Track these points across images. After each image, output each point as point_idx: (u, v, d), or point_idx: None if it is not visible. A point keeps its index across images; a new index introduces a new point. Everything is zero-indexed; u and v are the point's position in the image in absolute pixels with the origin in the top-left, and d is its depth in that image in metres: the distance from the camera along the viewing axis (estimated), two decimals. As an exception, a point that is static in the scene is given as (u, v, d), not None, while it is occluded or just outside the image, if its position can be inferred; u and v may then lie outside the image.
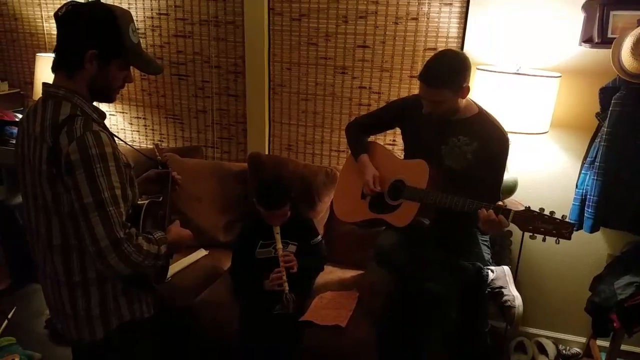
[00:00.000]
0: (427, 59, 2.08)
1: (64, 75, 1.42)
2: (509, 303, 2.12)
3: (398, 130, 2.63)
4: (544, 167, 2.68)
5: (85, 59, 1.38)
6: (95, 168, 1.31)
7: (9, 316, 2.19)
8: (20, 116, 3.44)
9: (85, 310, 1.46)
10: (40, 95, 1.46)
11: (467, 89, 2.00)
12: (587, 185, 2.40)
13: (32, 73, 3.44)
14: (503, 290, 2.15)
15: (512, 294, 2.16)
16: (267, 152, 3.19)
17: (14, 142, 3.22)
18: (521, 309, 2.13)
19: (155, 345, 1.71)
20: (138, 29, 3.18)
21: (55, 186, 1.36)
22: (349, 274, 2.62)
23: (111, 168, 1.35)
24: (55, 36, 1.44)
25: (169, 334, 2.38)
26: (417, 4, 2.70)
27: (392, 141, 2.95)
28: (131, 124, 3.47)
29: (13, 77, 3.69)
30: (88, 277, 1.44)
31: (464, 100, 2.06)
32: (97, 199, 1.31)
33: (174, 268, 2.57)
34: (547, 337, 2.87)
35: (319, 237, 2.58)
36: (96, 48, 1.38)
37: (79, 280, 1.44)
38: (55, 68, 1.44)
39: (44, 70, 3.15)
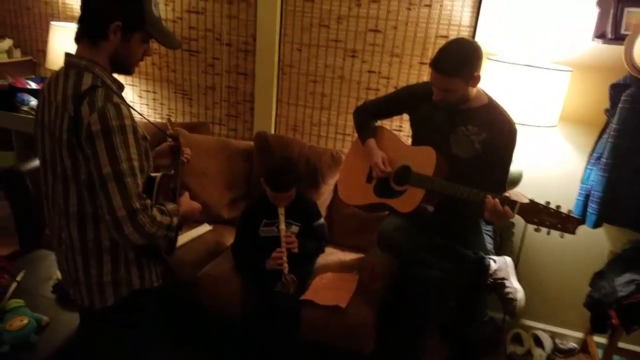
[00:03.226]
0: (438, 46, 2.08)
1: (87, 45, 1.44)
2: (510, 295, 2.10)
3: (405, 117, 2.64)
4: (550, 160, 2.70)
5: (110, 30, 1.40)
6: (115, 139, 1.34)
7: (18, 279, 2.23)
8: (32, 84, 3.45)
9: (98, 277, 1.50)
10: (62, 64, 1.48)
11: (478, 78, 2.01)
12: (592, 181, 2.40)
13: (44, 41, 3.44)
14: (505, 282, 2.15)
15: (514, 286, 2.13)
16: (272, 132, 3.20)
17: (24, 108, 3.24)
18: (523, 302, 2.11)
19: (161, 314, 1.75)
20: (157, 3, 3.19)
21: (74, 155, 1.39)
22: (349, 256, 2.65)
23: (130, 140, 1.38)
24: (68, 5, 1.46)
25: (172, 306, 2.43)
26: (431, -10, 2.70)
27: (399, 127, 2.96)
28: (140, 97, 3.49)
29: (26, 44, 3.70)
30: (102, 245, 1.48)
31: (474, 90, 2.07)
32: (116, 169, 1.34)
33: (179, 241, 2.59)
34: (544, 331, 2.89)
35: (322, 219, 2.60)
36: (121, 20, 1.41)
37: (93, 248, 1.48)
38: (78, 38, 1.46)
39: (57, 38, 3.15)
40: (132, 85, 3.47)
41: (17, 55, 3.56)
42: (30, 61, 3.63)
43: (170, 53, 3.31)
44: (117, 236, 1.37)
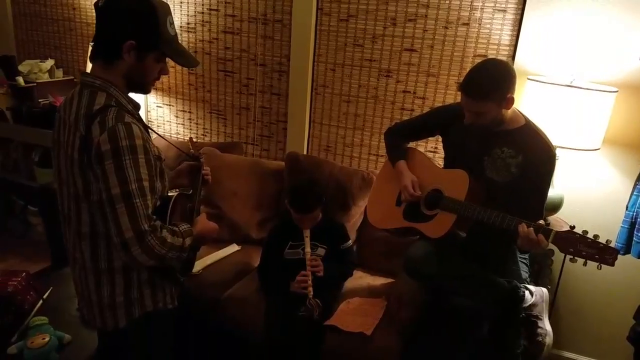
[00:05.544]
0: (476, 65, 2.00)
1: (102, 64, 1.44)
2: (540, 338, 2.06)
3: (440, 138, 2.56)
4: (594, 185, 2.55)
5: (123, 49, 1.39)
6: (124, 160, 1.33)
7: (44, 296, 2.25)
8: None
9: (110, 297, 1.48)
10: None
11: (512, 100, 1.91)
12: (639, 208, 2.26)
13: (85, 61, 3.55)
14: (538, 322, 2.08)
15: (546, 328, 2.08)
16: (305, 152, 3.17)
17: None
18: (550, 346, 2.07)
19: (177, 336, 1.71)
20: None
21: (85, 174, 1.38)
22: (378, 281, 2.57)
23: (140, 160, 1.35)
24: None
25: (194, 326, 2.40)
26: (469, 9, 2.62)
27: (434, 148, 2.87)
28: (177, 116, 3.53)
29: (68, 64, 3.82)
30: (114, 265, 1.46)
31: (509, 111, 1.97)
32: (124, 190, 1.32)
33: (206, 261, 2.59)
34: (584, 364, 2.76)
35: (350, 242, 2.54)
36: (135, 39, 1.39)
37: (105, 268, 1.46)
38: (93, 57, 1.46)
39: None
40: (169, 105, 3.52)
41: (59, 75, 3.68)
42: (72, 81, 3.73)
43: (205, 73, 3.34)
44: (126, 258, 1.34)
